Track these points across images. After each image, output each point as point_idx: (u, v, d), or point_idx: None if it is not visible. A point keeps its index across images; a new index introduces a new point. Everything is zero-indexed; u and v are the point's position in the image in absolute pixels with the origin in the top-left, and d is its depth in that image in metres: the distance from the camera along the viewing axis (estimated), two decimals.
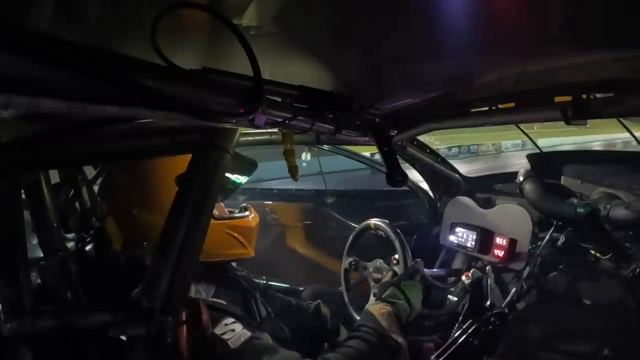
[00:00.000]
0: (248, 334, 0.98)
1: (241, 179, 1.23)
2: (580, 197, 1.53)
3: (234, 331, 0.97)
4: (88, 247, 1.18)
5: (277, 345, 1.03)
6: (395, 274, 1.41)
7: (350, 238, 1.72)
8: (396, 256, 1.46)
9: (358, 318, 1.53)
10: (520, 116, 1.15)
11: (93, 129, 0.88)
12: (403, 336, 1.13)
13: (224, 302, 1.09)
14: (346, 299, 1.65)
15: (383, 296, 1.24)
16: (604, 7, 0.57)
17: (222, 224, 1.15)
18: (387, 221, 1.57)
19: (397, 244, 1.46)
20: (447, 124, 1.27)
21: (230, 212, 1.24)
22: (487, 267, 1.68)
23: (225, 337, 0.96)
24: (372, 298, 1.52)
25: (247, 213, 1.24)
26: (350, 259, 1.68)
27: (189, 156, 0.91)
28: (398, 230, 1.51)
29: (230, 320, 1.00)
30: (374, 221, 1.61)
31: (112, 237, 1.11)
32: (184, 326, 0.89)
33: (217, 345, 0.95)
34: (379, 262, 1.55)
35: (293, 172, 1.10)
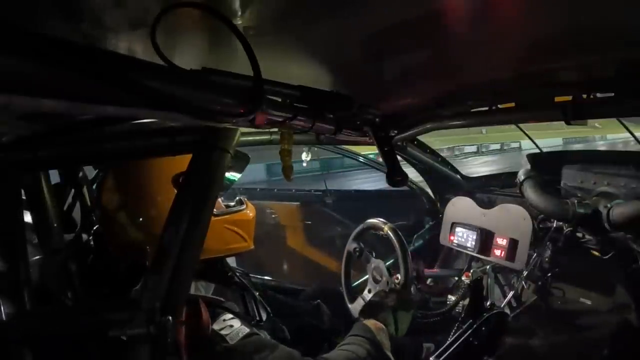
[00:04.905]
0: (246, 329, 0.98)
1: (235, 175, 1.24)
2: (580, 197, 1.53)
3: (232, 327, 0.97)
4: (88, 248, 1.18)
5: (277, 342, 1.03)
6: (394, 293, 1.39)
7: (360, 227, 1.68)
8: (398, 276, 1.44)
9: (350, 306, 1.56)
10: (520, 116, 1.15)
11: (93, 129, 0.88)
12: (392, 353, 1.16)
13: (222, 299, 1.09)
14: (343, 283, 1.65)
15: (377, 317, 1.24)
16: (604, 8, 0.57)
17: (221, 220, 1.15)
18: (402, 236, 1.50)
19: (402, 267, 1.43)
20: (447, 124, 1.27)
21: (227, 206, 1.25)
22: (487, 267, 1.68)
23: (223, 332, 0.96)
24: (366, 293, 1.55)
25: (243, 206, 1.25)
26: (355, 245, 1.66)
27: (185, 156, 0.91)
28: (409, 251, 1.46)
29: (229, 316, 1.00)
30: (388, 227, 1.54)
31: (111, 237, 1.11)
32: (185, 325, 0.89)
33: (216, 341, 0.94)
34: (380, 263, 1.55)
35: (287, 172, 1.10)
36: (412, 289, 1.44)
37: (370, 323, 1.20)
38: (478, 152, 20.22)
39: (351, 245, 1.68)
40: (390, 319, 1.25)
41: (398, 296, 1.34)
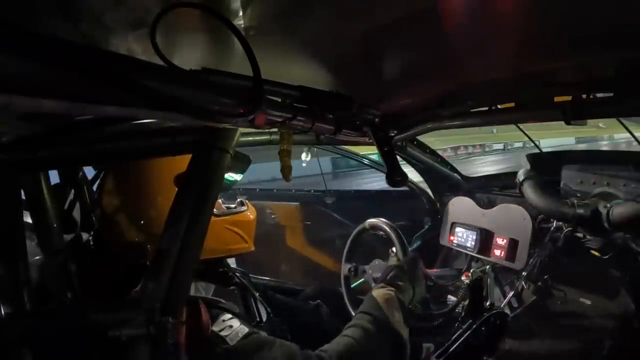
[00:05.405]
0: (246, 329, 0.98)
1: (235, 176, 1.24)
2: (580, 197, 1.53)
3: (231, 327, 0.97)
4: (88, 248, 1.18)
5: (275, 338, 1.03)
6: (394, 257, 1.42)
7: (348, 243, 1.72)
8: (394, 249, 1.46)
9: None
10: (520, 116, 1.15)
11: (93, 129, 0.88)
12: (406, 323, 1.11)
13: (222, 300, 1.09)
14: (347, 303, 1.64)
15: (387, 278, 1.21)
16: (604, 7, 0.57)
17: (222, 220, 1.16)
18: (382, 219, 1.57)
19: (393, 236, 1.46)
20: (447, 124, 1.27)
21: (228, 207, 1.25)
22: (487, 267, 1.67)
23: (222, 333, 0.95)
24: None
25: (244, 207, 1.25)
26: (349, 265, 1.68)
27: (185, 156, 0.91)
28: (392, 224, 1.52)
29: (228, 316, 1.00)
30: (368, 222, 1.62)
31: (111, 238, 1.11)
32: (184, 326, 0.89)
33: (215, 343, 0.94)
34: (377, 261, 1.55)
35: (285, 172, 1.10)
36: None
37: (379, 294, 1.14)
38: (504, 149, 24.71)
39: (345, 268, 1.69)
40: (402, 274, 1.22)
41: (399, 257, 1.34)
